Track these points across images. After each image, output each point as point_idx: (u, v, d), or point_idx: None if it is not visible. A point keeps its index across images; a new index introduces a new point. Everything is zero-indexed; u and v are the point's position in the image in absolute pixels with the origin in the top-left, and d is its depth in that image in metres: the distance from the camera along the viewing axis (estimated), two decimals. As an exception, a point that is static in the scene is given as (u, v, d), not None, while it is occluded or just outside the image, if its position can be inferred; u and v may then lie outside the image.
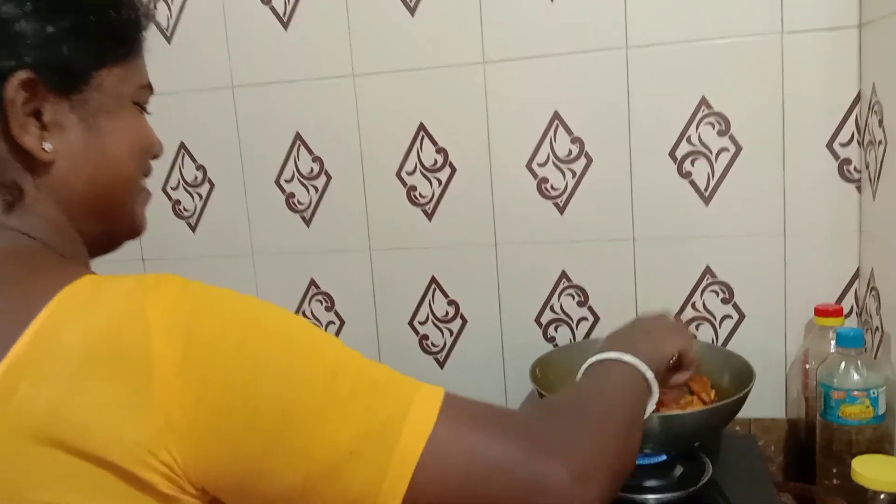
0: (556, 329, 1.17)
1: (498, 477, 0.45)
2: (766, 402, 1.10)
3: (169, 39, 1.22)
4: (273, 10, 1.17)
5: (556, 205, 1.14)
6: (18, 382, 0.42)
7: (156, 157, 0.60)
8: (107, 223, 0.56)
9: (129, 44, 0.55)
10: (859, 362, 0.93)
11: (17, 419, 0.42)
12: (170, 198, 1.27)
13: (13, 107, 0.48)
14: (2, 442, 0.41)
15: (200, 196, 1.26)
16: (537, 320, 1.18)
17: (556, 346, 1.17)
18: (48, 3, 0.49)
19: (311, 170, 1.21)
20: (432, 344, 1.22)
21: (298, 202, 1.23)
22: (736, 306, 1.11)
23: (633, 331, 0.73)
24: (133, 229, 0.59)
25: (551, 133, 1.11)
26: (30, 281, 0.46)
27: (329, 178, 1.21)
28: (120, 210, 0.56)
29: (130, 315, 0.43)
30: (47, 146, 0.50)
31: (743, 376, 0.97)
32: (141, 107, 0.57)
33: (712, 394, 1.01)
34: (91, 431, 0.41)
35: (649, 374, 0.63)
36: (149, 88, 0.58)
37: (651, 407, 0.64)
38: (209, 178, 1.25)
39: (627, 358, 0.63)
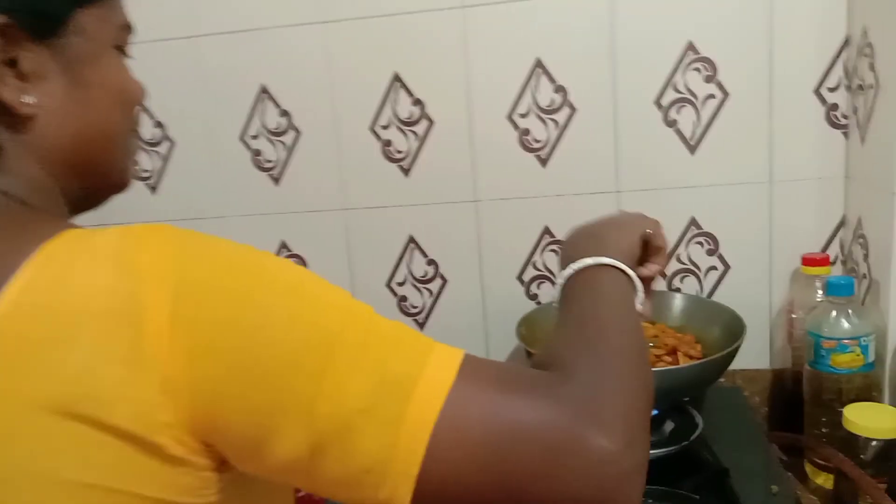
0: (538, 286, 1.14)
1: (527, 438, 0.40)
2: (750, 353, 1.09)
3: (118, -15, 1.12)
4: (232, -49, 1.09)
5: (539, 158, 1.09)
6: (5, 348, 0.38)
7: (139, 104, 0.54)
8: (92, 179, 0.51)
9: None
10: (849, 311, 0.92)
11: (9, 386, 0.38)
12: (126, 158, 1.19)
13: None
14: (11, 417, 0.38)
15: (160, 155, 1.18)
16: (519, 277, 1.14)
17: (538, 303, 1.14)
18: None
19: (279, 125, 1.14)
20: (412, 305, 1.18)
21: (266, 160, 1.16)
22: (721, 257, 1.09)
23: (596, 227, 0.66)
24: (120, 184, 0.54)
25: (533, 81, 1.07)
26: (5, 239, 0.42)
27: (298, 133, 1.14)
28: (106, 165, 0.52)
29: (119, 266, 0.39)
30: (28, 99, 0.45)
31: (732, 328, 0.96)
32: (121, 50, 0.52)
33: (698, 348, 1.00)
34: (87, 393, 0.38)
35: (633, 275, 0.58)
36: (129, 28, 0.53)
37: (639, 306, 0.59)
38: (168, 136, 1.18)
39: (606, 260, 0.57)
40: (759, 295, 1.09)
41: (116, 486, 0.38)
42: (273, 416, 0.39)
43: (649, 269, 0.67)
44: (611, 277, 0.57)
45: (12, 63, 0.45)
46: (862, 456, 0.85)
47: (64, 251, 0.40)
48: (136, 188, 1.19)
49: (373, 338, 0.42)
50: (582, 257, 0.58)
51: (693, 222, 1.08)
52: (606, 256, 0.58)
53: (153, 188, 1.19)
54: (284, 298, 0.41)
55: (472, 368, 0.42)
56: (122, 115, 0.51)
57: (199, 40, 1.12)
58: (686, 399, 0.99)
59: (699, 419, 0.97)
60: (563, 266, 0.60)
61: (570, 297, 0.57)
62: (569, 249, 0.62)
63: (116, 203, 0.56)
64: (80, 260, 0.40)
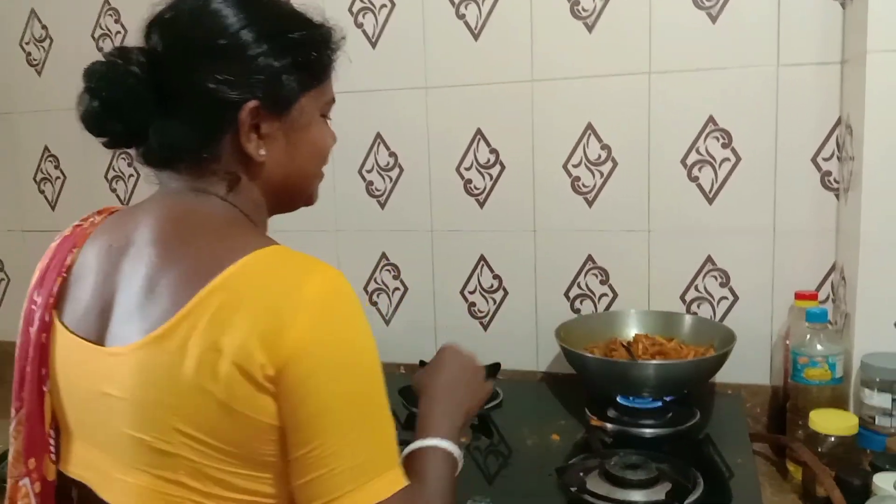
0: (581, 302, 1.42)
1: None
2: (754, 371, 1.32)
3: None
4: (364, 32, 1.45)
5: (586, 199, 1.38)
6: (212, 306, 0.60)
7: (331, 148, 0.77)
8: (291, 201, 0.76)
9: (325, 72, 0.73)
10: (822, 335, 1.15)
11: (207, 334, 0.59)
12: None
13: (243, 125, 0.67)
14: (198, 350, 0.60)
15: (296, 181, 1.55)
16: (566, 294, 1.43)
17: (579, 315, 1.42)
18: (276, 45, 0.67)
19: (388, 163, 1.48)
20: (479, 310, 1.48)
21: (376, 189, 1.50)
22: (731, 290, 1.33)
23: (448, 393, 0.80)
24: (308, 203, 0.79)
25: (585, 140, 1.36)
26: (234, 237, 0.66)
27: (402, 170, 1.48)
28: (300, 194, 0.77)
29: (292, 289, 0.60)
30: (262, 152, 0.69)
31: (726, 340, 1.20)
32: (325, 116, 0.75)
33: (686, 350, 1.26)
34: (241, 349, 0.59)
35: (459, 456, 0.74)
36: (333, 101, 0.76)
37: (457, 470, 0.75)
38: (303, 167, 1.54)
39: (447, 446, 0.72)
40: (762, 324, 1.32)
41: (232, 405, 0.59)
42: (306, 429, 0.60)
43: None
44: (449, 460, 0.72)
45: (256, 128, 0.67)
46: (820, 449, 1.07)
47: (264, 260, 0.62)
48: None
49: (385, 427, 0.63)
50: (431, 435, 0.73)
51: (709, 259, 1.33)
52: (451, 444, 0.73)
53: (288, 205, 1.55)
54: (364, 376, 0.62)
55: (403, 491, 0.63)
56: (317, 164, 0.76)
57: (334, 96, 1.49)
58: (686, 392, 1.23)
59: (696, 412, 1.21)
60: (419, 431, 0.74)
61: (419, 465, 0.71)
62: (423, 412, 0.77)
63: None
64: (273, 270, 0.61)
